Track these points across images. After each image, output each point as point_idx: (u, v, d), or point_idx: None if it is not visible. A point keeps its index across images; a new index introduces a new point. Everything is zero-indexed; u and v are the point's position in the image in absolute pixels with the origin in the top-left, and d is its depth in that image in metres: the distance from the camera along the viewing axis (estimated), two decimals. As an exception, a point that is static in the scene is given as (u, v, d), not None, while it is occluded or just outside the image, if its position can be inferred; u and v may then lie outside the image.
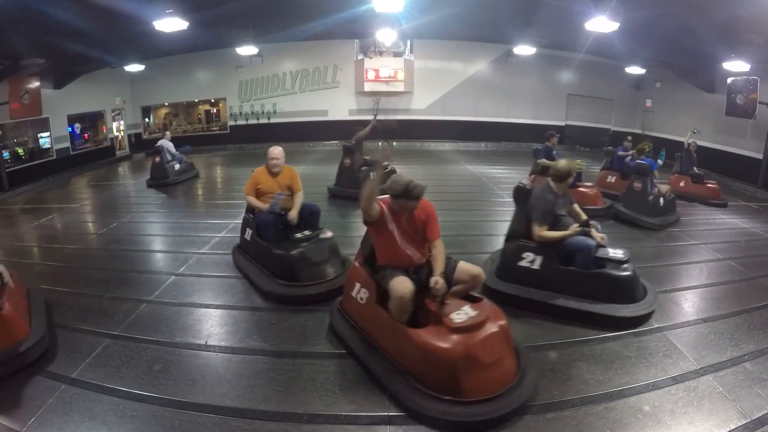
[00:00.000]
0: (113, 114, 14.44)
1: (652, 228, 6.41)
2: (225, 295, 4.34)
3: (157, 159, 9.74)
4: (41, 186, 10.60)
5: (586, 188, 7.20)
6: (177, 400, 2.82)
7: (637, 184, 6.76)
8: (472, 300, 3.00)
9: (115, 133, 14.53)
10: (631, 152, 8.02)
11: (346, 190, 7.78)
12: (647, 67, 13.06)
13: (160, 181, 9.66)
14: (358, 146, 7.99)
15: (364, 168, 7.85)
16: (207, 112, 16.48)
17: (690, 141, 8.84)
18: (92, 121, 13.74)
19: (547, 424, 2.63)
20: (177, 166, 10.00)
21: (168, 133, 10.73)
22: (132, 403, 2.80)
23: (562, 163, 4.01)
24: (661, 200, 6.69)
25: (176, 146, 10.32)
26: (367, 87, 14.87)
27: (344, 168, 7.99)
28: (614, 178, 8.17)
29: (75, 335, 3.60)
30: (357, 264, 3.33)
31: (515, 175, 10.79)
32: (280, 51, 14.42)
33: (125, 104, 14.89)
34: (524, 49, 13.01)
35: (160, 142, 9.93)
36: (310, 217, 4.58)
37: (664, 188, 6.84)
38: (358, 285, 3.23)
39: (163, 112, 16.45)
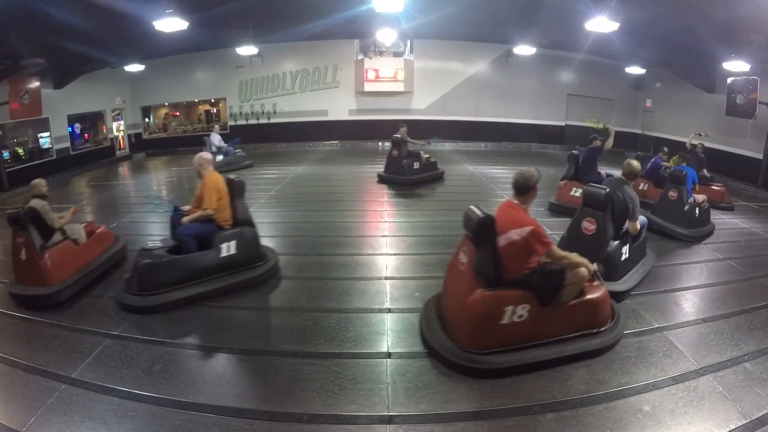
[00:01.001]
0: (113, 114, 14.43)
1: (687, 240, 6.01)
2: (225, 294, 4.33)
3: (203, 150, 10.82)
4: (41, 186, 10.59)
5: None
6: (177, 400, 2.82)
7: (672, 193, 6.36)
8: None
9: (115, 133, 14.53)
10: (665, 164, 7.92)
11: (393, 176, 9.21)
12: (647, 67, 13.05)
13: None
14: (406, 141, 9.17)
15: (406, 159, 9.10)
16: (207, 112, 16.47)
17: (694, 142, 8.81)
18: (92, 121, 13.72)
19: (547, 424, 2.64)
20: (219, 158, 10.76)
21: (217, 126, 12.31)
22: (132, 403, 2.80)
23: (635, 163, 4.52)
24: (697, 210, 6.28)
25: (227, 140, 11.79)
26: (367, 87, 14.87)
27: (392, 158, 9.26)
28: (647, 185, 7.91)
29: (75, 335, 3.60)
30: (491, 291, 3.10)
31: (515, 175, 10.79)
32: (280, 51, 14.40)
33: (125, 104, 14.87)
34: (524, 49, 13.00)
35: (210, 136, 11.38)
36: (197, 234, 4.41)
37: (700, 198, 6.45)
38: (510, 308, 3.10)
39: (163, 112, 16.47)
